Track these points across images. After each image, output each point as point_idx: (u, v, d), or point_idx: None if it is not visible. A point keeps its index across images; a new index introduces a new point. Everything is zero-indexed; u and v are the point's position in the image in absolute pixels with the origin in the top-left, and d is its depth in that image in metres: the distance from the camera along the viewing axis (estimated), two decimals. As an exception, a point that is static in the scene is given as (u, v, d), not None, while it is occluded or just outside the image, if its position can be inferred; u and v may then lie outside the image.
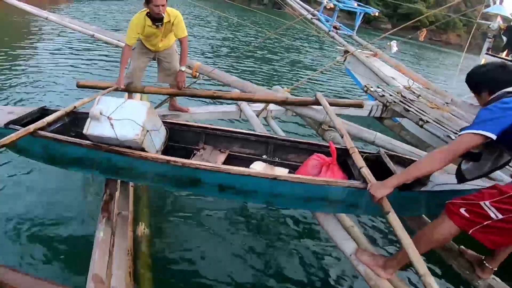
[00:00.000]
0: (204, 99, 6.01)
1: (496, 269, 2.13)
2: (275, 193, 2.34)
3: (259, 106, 4.14)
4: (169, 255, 2.79)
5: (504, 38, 5.12)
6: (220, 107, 4.26)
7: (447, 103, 4.79)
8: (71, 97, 5.39)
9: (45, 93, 5.60)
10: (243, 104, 4.10)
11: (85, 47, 9.19)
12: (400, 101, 4.45)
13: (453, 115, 4.43)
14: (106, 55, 8.57)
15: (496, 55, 4.97)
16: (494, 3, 5.58)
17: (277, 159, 3.03)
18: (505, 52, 5.17)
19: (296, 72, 10.42)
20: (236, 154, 3.04)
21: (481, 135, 1.67)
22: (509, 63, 2.07)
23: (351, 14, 7.63)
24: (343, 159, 2.67)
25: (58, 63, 7.43)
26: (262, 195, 2.40)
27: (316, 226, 3.33)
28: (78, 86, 3.53)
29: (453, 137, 3.63)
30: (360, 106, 3.79)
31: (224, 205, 3.41)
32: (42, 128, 2.36)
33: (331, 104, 3.30)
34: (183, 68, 3.56)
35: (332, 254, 3.07)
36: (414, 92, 4.94)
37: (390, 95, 4.59)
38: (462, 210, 1.82)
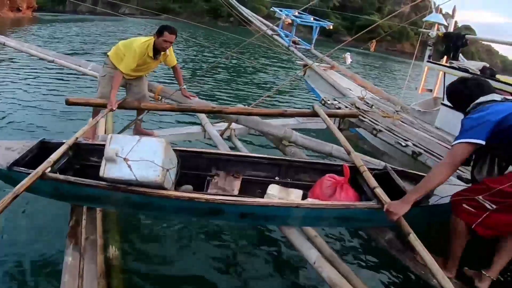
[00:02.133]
0: (167, 121, 6.13)
1: (495, 278, 2.25)
2: (296, 216, 2.50)
3: (223, 126, 4.32)
4: (142, 276, 2.80)
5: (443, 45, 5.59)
6: (184, 128, 4.39)
7: (397, 111, 5.20)
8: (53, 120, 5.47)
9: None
10: (207, 125, 4.25)
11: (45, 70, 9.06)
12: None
13: (403, 122, 4.82)
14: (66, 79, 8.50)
15: (436, 62, 5.43)
16: (438, 11, 6.11)
17: (289, 180, 3.10)
18: (444, 58, 5.53)
19: (260, 89, 10.64)
20: (250, 178, 3.07)
21: (472, 143, 1.92)
22: (467, 76, 2.51)
23: (311, 28, 8.05)
24: (353, 176, 2.78)
25: (29, 89, 7.34)
26: (282, 219, 2.55)
27: (278, 236, 3.44)
28: (68, 103, 3.44)
29: (403, 144, 3.98)
30: (355, 116, 4.07)
31: (195, 223, 3.51)
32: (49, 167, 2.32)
33: (329, 115, 3.50)
34: (184, 86, 3.93)
35: (296, 263, 3.17)
36: (367, 103, 5.32)
37: (346, 107, 4.93)
38: (465, 205, 2.11)
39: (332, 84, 6.07)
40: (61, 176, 2.36)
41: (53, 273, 2.54)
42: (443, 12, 6.43)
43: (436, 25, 5.54)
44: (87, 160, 2.94)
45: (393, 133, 4.29)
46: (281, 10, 7.91)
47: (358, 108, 4.93)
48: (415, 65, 6.55)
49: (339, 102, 5.02)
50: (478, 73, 4.68)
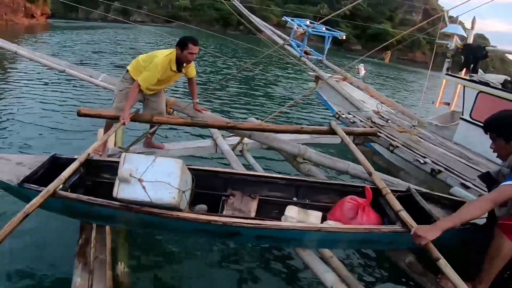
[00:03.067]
0: (176, 135, 6.09)
1: None
2: (316, 239, 2.47)
3: (235, 140, 4.24)
4: None
5: (462, 57, 5.46)
6: (195, 142, 4.31)
7: (414, 125, 5.07)
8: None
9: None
10: (219, 139, 4.17)
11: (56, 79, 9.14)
12: (370, 127, 4.67)
13: (420, 137, 4.69)
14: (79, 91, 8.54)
15: (455, 75, 5.28)
16: (452, 22, 5.99)
17: (307, 200, 3.01)
18: (463, 71, 5.38)
19: (272, 101, 10.59)
20: (267, 198, 2.99)
21: None
22: None
23: (323, 37, 8.00)
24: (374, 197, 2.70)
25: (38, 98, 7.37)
26: (302, 242, 2.50)
27: (292, 257, 3.35)
28: (80, 114, 3.41)
29: (421, 161, 3.85)
30: (374, 134, 3.95)
31: (205, 240, 3.44)
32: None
33: (346, 133, 3.44)
34: (197, 100, 3.88)
35: (311, 285, 3.08)
36: (383, 117, 5.20)
37: (361, 121, 4.81)
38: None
39: (345, 96, 5.96)
40: (73, 195, 2.32)
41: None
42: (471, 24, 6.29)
43: (455, 37, 5.41)
44: (98, 177, 2.89)
45: (411, 150, 4.16)
46: (292, 20, 7.87)
47: (374, 123, 4.81)
48: (430, 76, 6.40)
49: (354, 116, 4.91)
50: (500, 86, 4.54)
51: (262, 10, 37.35)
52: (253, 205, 2.82)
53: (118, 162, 2.69)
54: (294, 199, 3.02)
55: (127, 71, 3.54)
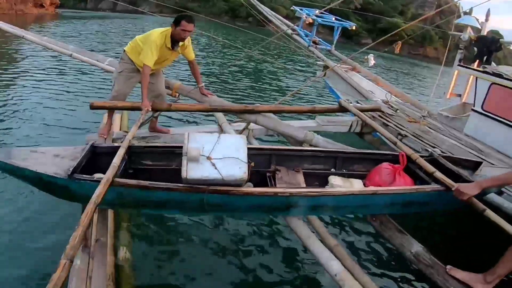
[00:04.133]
0: (183, 119, 6.05)
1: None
2: (365, 204, 2.62)
3: (241, 125, 4.21)
4: (152, 279, 2.77)
5: (475, 49, 5.35)
6: (201, 127, 4.30)
7: (423, 116, 4.97)
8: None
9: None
10: (225, 124, 4.14)
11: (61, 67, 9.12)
12: (379, 116, 4.60)
13: (429, 128, 4.60)
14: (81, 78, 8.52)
15: (468, 66, 5.17)
16: (465, 13, 5.86)
17: (344, 171, 3.17)
18: (476, 63, 5.28)
19: (280, 91, 10.50)
20: (308, 171, 3.08)
21: None
22: None
23: (332, 29, 7.89)
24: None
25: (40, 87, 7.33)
26: (352, 208, 2.70)
27: (298, 245, 3.34)
28: (92, 107, 3.33)
29: (430, 151, 3.77)
30: (378, 110, 4.20)
31: (207, 226, 3.42)
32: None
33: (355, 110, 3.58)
34: (202, 85, 3.86)
35: (316, 274, 3.08)
36: (392, 107, 5.11)
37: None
38: None
39: (353, 86, 5.87)
40: (133, 181, 2.20)
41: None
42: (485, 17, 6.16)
43: (468, 28, 5.28)
44: (139, 164, 2.81)
45: (420, 139, 4.08)
46: (301, 9, 7.75)
47: (382, 112, 4.72)
48: (427, 67, 6.26)
49: (362, 105, 4.83)
50: (513, 78, 4.42)
51: (271, 1, 37.00)
52: (301, 178, 2.87)
53: (159, 147, 2.81)
54: (332, 170, 3.15)
55: (124, 51, 3.53)
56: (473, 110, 4.65)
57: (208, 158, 2.15)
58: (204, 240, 3.26)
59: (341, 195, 2.44)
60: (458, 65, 5.11)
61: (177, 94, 4.12)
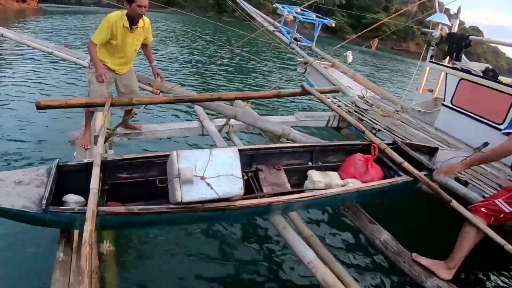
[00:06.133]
0: (161, 116, 6.09)
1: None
2: (344, 198, 2.73)
3: (221, 121, 4.28)
4: (136, 271, 2.82)
5: (446, 46, 5.51)
6: (182, 124, 4.33)
7: (397, 111, 5.14)
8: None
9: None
10: (206, 120, 4.21)
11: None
12: (355, 110, 4.75)
13: (402, 122, 4.77)
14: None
15: (438, 62, 5.35)
16: (443, 11, 6.02)
17: (320, 163, 3.23)
18: (447, 59, 5.41)
19: (262, 87, 10.54)
20: (287, 167, 3.08)
21: None
22: None
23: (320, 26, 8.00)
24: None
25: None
26: (332, 202, 2.84)
27: (273, 234, 3.46)
28: (40, 107, 2.87)
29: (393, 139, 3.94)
30: (337, 91, 4.21)
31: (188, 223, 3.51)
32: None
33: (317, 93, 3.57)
34: (154, 63, 3.86)
35: (292, 263, 3.19)
36: (367, 101, 5.26)
37: (346, 105, 4.88)
38: (482, 209, 2.43)
39: (333, 82, 6.01)
40: (121, 209, 2.05)
41: (45, 270, 2.39)
42: (451, 13, 6.32)
43: (440, 25, 5.46)
44: (115, 178, 2.60)
45: (392, 133, 4.24)
46: (283, 7, 7.84)
47: (358, 107, 4.87)
48: (412, 63, 6.45)
49: (339, 101, 4.97)
50: (481, 74, 4.62)
51: (257, -3, 36.85)
52: (283, 177, 2.84)
53: (135, 160, 2.56)
54: (310, 163, 3.19)
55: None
56: (443, 104, 4.83)
57: (202, 178, 2.02)
58: (187, 232, 3.33)
59: (332, 196, 2.51)
60: (430, 61, 5.28)
61: (158, 91, 4.17)
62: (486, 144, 3.34)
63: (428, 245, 3.27)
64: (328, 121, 4.74)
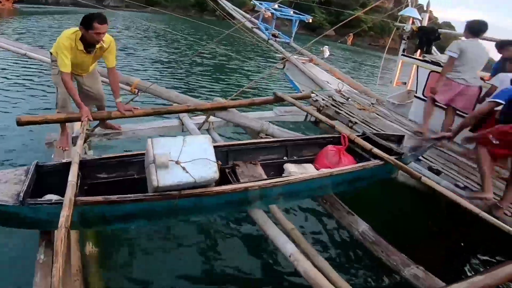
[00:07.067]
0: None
1: (505, 209, 2.86)
2: (321, 186, 2.79)
3: (201, 119, 4.26)
4: (121, 271, 2.78)
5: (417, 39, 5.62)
6: (162, 122, 4.27)
7: (372, 103, 5.23)
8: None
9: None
10: (185, 118, 4.18)
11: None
12: (332, 104, 4.80)
13: (378, 115, 4.86)
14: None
15: (410, 55, 5.46)
16: (414, 5, 6.14)
17: (295, 157, 3.28)
18: (418, 52, 5.53)
19: (242, 82, 10.50)
20: (264, 162, 3.12)
21: (495, 101, 2.92)
22: None
23: (301, 23, 8.02)
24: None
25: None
26: (311, 191, 2.84)
27: (255, 230, 3.44)
28: (20, 123, 2.93)
29: (363, 130, 4.01)
30: (308, 97, 4.40)
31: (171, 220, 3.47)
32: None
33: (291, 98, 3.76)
34: (120, 99, 3.38)
35: (272, 256, 3.21)
36: (344, 95, 5.33)
37: (323, 100, 4.93)
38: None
39: (310, 77, 6.06)
40: (99, 198, 2.01)
41: (26, 272, 2.32)
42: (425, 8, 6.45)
43: (411, 19, 5.57)
44: (93, 178, 2.59)
45: (369, 126, 4.31)
46: (261, 3, 7.83)
47: (335, 101, 4.93)
48: (391, 59, 6.58)
49: (317, 95, 5.01)
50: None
51: (237, -5, 36.51)
52: (260, 170, 2.87)
53: (113, 158, 2.57)
54: (285, 158, 3.24)
55: (51, 53, 3.21)
56: (415, 96, 4.95)
57: (177, 162, 2.06)
58: (169, 232, 3.29)
59: (305, 180, 2.55)
60: (402, 54, 5.39)
61: (136, 91, 4.11)
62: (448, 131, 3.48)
63: (405, 233, 3.38)
64: (306, 115, 4.78)
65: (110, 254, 2.90)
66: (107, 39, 3.12)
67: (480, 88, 3.97)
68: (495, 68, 4.10)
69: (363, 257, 3.35)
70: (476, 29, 3.86)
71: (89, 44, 3.01)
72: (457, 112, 4.11)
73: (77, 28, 2.98)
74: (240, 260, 3.12)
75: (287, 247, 2.36)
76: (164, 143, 2.13)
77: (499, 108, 3.02)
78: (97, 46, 3.08)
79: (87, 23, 2.88)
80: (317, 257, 2.40)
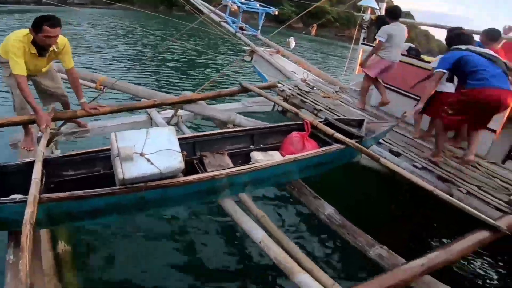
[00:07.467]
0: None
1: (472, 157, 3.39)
2: (287, 172, 2.82)
3: (169, 113, 4.23)
4: (95, 269, 2.74)
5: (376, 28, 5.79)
6: (129, 118, 4.20)
7: (336, 91, 5.36)
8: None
9: None
10: (153, 113, 4.13)
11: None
12: (298, 93, 4.88)
13: (341, 102, 4.99)
14: None
15: (370, 44, 5.62)
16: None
17: (261, 145, 3.30)
18: (376, 41, 5.79)
19: (209, 77, 10.42)
20: (232, 151, 3.11)
21: (439, 71, 3.20)
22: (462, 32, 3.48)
23: (266, 15, 7.99)
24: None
25: None
26: (277, 177, 2.85)
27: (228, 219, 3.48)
28: None
29: (325, 116, 4.13)
30: (275, 86, 4.46)
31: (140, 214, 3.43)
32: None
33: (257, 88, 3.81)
34: (84, 99, 3.31)
35: (243, 243, 3.25)
36: (309, 84, 5.43)
37: (289, 89, 5.00)
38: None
39: (277, 68, 6.11)
40: (65, 194, 1.95)
41: None
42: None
43: (370, 9, 5.71)
44: (59, 177, 2.52)
45: (332, 112, 4.43)
46: (228, -3, 7.75)
47: (301, 90, 5.01)
48: (357, 49, 6.72)
49: (283, 85, 5.08)
50: (406, 53, 4.94)
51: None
52: (227, 159, 2.87)
53: (79, 155, 2.52)
54: (252, 146, 3.27)
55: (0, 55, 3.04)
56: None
57: (142, 154, 2.06)
58: (140, 228, 3.24)
59: (271, 166, 2.57)
60: (362, 43, 5.55)
61: (102, 87, 4.01)
62: (405, 114, 3.62)
63: (369, 215, 3.50)
64: (274, 105, 4.84)
65: (84, 252, 2.86)
66: (61, 40, 3.01)
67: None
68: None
69: (331, 240, 3.43)
70: (395, 14, 4.49)
71: (41, 47, 2.88)
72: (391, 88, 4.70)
73: (25, 32, 2.83)
74: (213, 250, 3.14)
75: (257, 234, 2.39)
76: (128, 136, 2.13)
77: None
78: (51, 49, 2.96)
79: (37, 26, 2.74)
80: (287, 242, 2.44)
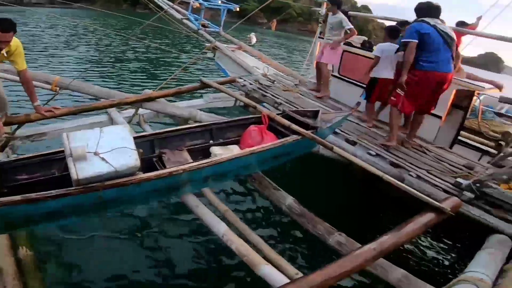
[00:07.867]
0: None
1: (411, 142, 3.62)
2: (246, 165, 2.81)
3: (130, 112, 4.12)
4: (60, 272, 2.67)
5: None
6: (89, 118, 4.05)
7: (296, 84, 5.45)
8: None
9: None
10: (113, 113, 4.00)
11: None
12: (258, 88, 4.91)
13: (301, 94, 5.08)
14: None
15: (327, 38, 5.74)
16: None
17: (220, 140, 3.29)
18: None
19: (170, 74, 10.27)
20: (190, 148, 3.08)
21: (412, 41, 3.22)
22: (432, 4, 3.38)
23: (229, 12, 7.91)
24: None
25: None
26: (237, 171, 2.84)
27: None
28: None
29: (282, 108, 4.21)
30: (233, 81, 4.46)
31: (102, 214, 3.32)
32: None
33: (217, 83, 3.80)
34: (38, 102, 3.20)
35: (207, 238, 3.21)
36: (270, 79, 5.47)
37: (250, 84, 5.01)
38: (392, 98, 3.47)
39: (239, 63, 6.11)
40: (17, 197, 1.87)
41: None
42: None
43: (325, 3, 5.81)
44: (13, 181, 2.42)
45: (292, 105, 4.49)
46: (189, -6, 7.62)
47: (261, 84, 5.04)
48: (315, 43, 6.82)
49: (245, 80, 5.08)
50: (359, 46, 5.10)
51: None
52: (186, 156, 2.85)
53: (33, 158, 2.43)
54: (211, 141, 3.26)
55: None
56: (333, 75, 5.24)
57: (96, 153, 2.02)
58: (104, 227, 3.18)
59: (229, 160, 2.58)
60: (319, 37, 5.66)
61: (57, 88, 3.83)
62: (358, 103, 3.75)
63: (328, 203, 3.58)
64: (236, 100, 4.83)
65: (47, 256, 2.76)
66: (14, 42, 2.92)
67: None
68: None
69: (293, 230, 3.48)
70: (337, 2, 4.72)
71: None
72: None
73: None
74: (177, 247, 3.11)
75: (220, 228, 2.42)
76: (81, 136, 2.09)
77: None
78: (1, 52, 2.86)
79: None
80: (250, 234, 2.49)
